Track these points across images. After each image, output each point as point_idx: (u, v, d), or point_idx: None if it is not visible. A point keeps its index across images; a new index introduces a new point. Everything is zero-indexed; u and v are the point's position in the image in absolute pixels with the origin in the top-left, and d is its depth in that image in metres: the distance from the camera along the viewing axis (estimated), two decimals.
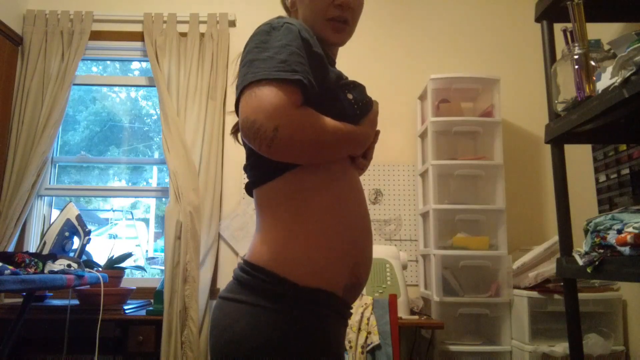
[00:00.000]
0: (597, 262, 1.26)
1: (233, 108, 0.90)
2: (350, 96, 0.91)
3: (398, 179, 2.71)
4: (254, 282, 0.85)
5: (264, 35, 0.87)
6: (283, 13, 1.09)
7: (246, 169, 0.97)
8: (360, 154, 0.97)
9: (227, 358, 0.82)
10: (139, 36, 2.79)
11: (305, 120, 0.81)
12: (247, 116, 0.80)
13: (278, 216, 0.88)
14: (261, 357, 0.80)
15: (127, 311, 2.24)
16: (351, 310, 0.97)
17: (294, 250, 0.85)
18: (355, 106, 0.92)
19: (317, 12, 0.97)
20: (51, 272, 1.90)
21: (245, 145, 0.95)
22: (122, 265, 2.45)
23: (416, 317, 2.20)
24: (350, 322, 1.89)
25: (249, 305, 0.83)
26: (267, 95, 0.79)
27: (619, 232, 1.21)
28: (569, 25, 1.43)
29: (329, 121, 0.85)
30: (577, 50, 1.37)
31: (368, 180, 2.68)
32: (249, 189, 0.98)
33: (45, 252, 2.11)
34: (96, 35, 2.79)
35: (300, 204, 0.88)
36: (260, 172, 0.92)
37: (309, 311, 0.84)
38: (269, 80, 0.80)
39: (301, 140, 0.81)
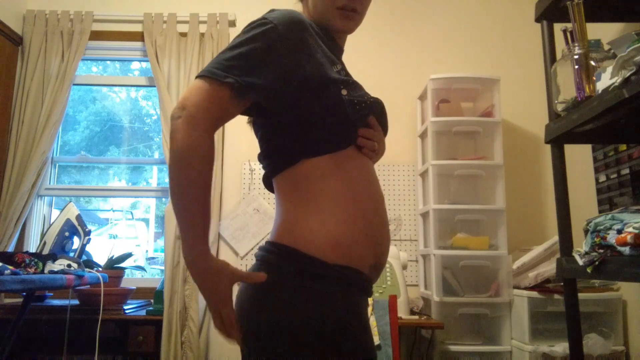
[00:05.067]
0: (597, 262, 1.26)
1: None
2: (344, 92, 0.90)
3: (398, 179, 2.71)
4: (284, 263, 0.87)
5: (241, 31, 0.91)
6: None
7: (260, 158, 0.99)
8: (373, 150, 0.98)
9: (264, 338, 0.83)
10: (139, 36, 2.79)
11: (194, 150, 0.81)
12: (179, 100, 0.86)
13: (299, 200, 0.91)
14: (303, 335, 0.81)
15: (127, 311, 2.24)
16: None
17: (319, 230, 0.87)
18: (357, 106, 0.90)
19: (327, 1, 0.98)
20: (51, 272, 1.90)
21: (257, 134, 0.99)
22: (122, 265, 2.45)
23: (416, 317, 2.20)
24: None
25: (281, 285, 0.85)
26: (194, 89, 0.84)
27: (619, 232, 1.21)
28: (569, 25, 1.43)
29: (201, 178, 0.83)
30: (577, 50, 1.37)
31: None
32: (267, 178, 1.00)
33: (45, 252, 2.11)
34: (96, 35, 2.78)
35: (318, 187, 0.90)
36: (277, 160, 0.95)
37: (341, 289, 0.86)
38: (204, 76, 0.85)
39: (180, 156, 0.82)
